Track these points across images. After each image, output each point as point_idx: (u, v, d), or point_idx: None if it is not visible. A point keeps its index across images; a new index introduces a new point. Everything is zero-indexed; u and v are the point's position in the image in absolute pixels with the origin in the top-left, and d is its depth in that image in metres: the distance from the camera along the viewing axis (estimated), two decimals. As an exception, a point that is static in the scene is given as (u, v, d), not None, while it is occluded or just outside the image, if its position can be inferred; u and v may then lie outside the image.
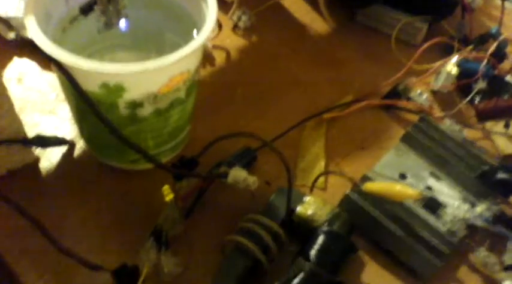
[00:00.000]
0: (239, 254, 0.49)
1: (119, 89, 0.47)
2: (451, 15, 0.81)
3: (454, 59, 0.71)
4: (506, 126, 0.68)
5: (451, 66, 0.71)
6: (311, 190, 0.59)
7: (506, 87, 0.71)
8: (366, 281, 0.53)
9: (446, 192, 0.58)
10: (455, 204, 0.56)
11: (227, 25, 0.79)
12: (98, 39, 0.58)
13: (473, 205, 0.57)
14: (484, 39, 0.77)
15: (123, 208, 0.56)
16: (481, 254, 0.53)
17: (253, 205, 0.54)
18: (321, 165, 0.62)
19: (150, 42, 0.61)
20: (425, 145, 0.62)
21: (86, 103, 0.46)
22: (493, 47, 0.72)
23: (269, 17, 0.81)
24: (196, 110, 0.59)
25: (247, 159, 0.59)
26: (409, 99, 0.71)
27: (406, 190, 0.53)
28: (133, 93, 0.48)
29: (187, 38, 0.48)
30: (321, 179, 0.60)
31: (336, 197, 0.57)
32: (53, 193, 0.57)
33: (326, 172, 0.62)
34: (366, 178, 0.58)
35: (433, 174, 0.60)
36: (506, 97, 0.69)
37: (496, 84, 0.71)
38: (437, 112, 0.70)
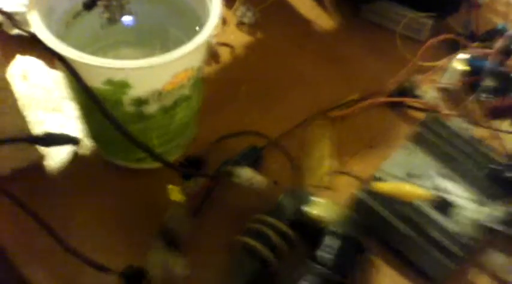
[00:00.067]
0: (247, 255, 0.49)
1: (124, 86, 0.46)
2: (456, 12, 0.80)
3: (460, 55, 0.71)
4: (514, 123, 0.68)
5: (458, 62, 0.70)
6: (319, 189, 0.58)
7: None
8: (375, 282, 0.53)
9: (455, 191, 0.57)
10: (464, 203, 0.56)
11: (232, 21, 0.78)
12: (101, 35, 0.58)
13: (482, 205, 0.56)
14: (491, 35, 0.76)
15: (128, 207, 0.56)
16: (496, 258, 0.53)
17: (261, 205, 0.53)
18: (327, 164, 0.62)
19: (154, 39, 0.61)
20: (433, 143, 0.62)
21: (91, 100, 0.46)
22: (499, 43, 0.71)
23: (274, 13, 0.80)
24: (201, 108, 0.58)
25: (254, 158, 0.58)
26: (415, 96, 0.70)
27: (415, 190, 0.53)
28: (138, 90, 0.47)
29: (190, 33, 0.48)
30: (329, 178, 0.60)
31: (344, 196, 0.57)
32: (59, 192, 0.56)
33: (334, 172, 0.61)
34: (374, 178, 0.58)
35: (441, 173, 0.59)
36: (513, 94, 0.69)
37: (503, 81, 0.70)
38: (445, 110, 0.69)
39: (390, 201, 0.54)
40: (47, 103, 0.64)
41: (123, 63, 0.44)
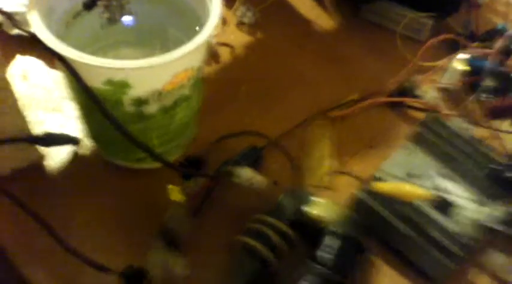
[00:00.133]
0: (247, 255, 0.49)
1: (124, 86, 0.46)
2: (456, 12, 0.80)
3: (460, 55, 0.71)
4: (514, 123, 0.67)
5: (458, 62, 0.70)
6: (319, 189, 0.58)
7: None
8: (375, 282, 0.53)
9: (455, 191, 0.57)
10: (464, 203, 0.56)
11: (232, 21, 0.78)
12: (101, 35, 0.58)
13: (482, 205, 0.56)
14: (491, 35, 0.76)
15: (128, 207, 0.55)
16: (496, 258, 0.53)
17: (261, 205, 0.53)
18: (327, 164, 0.62)
19: (154, 39, 0.60)
20: (433, 143, 0.62)
21: (91, 100, 0.46)
22: (499, 43, 0.71)
23: (274, 13, 0.80)
24: (201, 108, 0.58)
25: (254, 158, 0.58)
26: (415, 96, 0.70)
27: (415, 190, 0.53)
28: (138, 90, 0.47)
29: (190, 33, 0.48)
30: (329, 178, 0.60)
31: (344, 196, 0.57)
32: (59, 192, 0.56)
33: (334, 172, 0.61)
34: (374, 178, 0.58)
35: (441, 173, 0.59)
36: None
37: (503, 81, 0.70)
38: (445, 110, 0.69)
39: (390, 201, 0.54)
40: (47, 103, 0.64)
41: (123, 63, 0.44)
